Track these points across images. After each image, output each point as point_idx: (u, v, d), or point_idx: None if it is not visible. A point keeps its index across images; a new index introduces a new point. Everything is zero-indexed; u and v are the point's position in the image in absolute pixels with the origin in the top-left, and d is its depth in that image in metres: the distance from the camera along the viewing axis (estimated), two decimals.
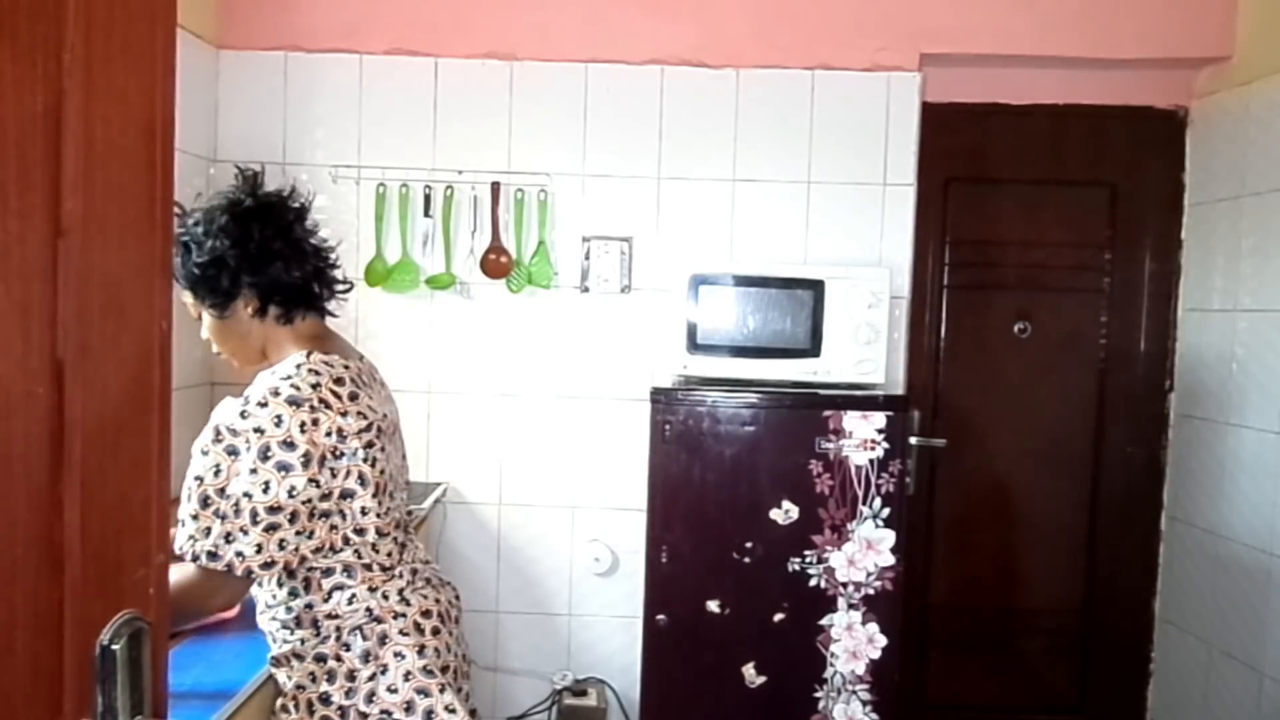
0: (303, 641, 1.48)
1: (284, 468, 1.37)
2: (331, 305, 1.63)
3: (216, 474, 1.37)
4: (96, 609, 0.72)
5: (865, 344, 2.41)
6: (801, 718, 2.31)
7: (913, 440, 2.62)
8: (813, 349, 2.42)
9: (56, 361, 0.66)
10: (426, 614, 1.54)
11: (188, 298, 1.51)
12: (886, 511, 2.28)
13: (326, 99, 2.71)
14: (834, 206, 2.71)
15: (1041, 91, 2.87)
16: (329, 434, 1.41)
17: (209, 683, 1.45)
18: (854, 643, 2.29)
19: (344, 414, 1.43)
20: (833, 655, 2.29)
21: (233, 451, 1.38)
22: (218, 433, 1.39)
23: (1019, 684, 2.99)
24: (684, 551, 2.31)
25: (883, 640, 2.29)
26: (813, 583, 2.29)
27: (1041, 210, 2.91)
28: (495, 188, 2.69)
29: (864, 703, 2.30)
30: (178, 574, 1.40)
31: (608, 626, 2.79)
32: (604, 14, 2.70)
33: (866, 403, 2.29)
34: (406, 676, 1.48)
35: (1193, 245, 2.86)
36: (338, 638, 1.47)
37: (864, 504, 2.28)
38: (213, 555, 1.37)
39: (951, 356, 2.95)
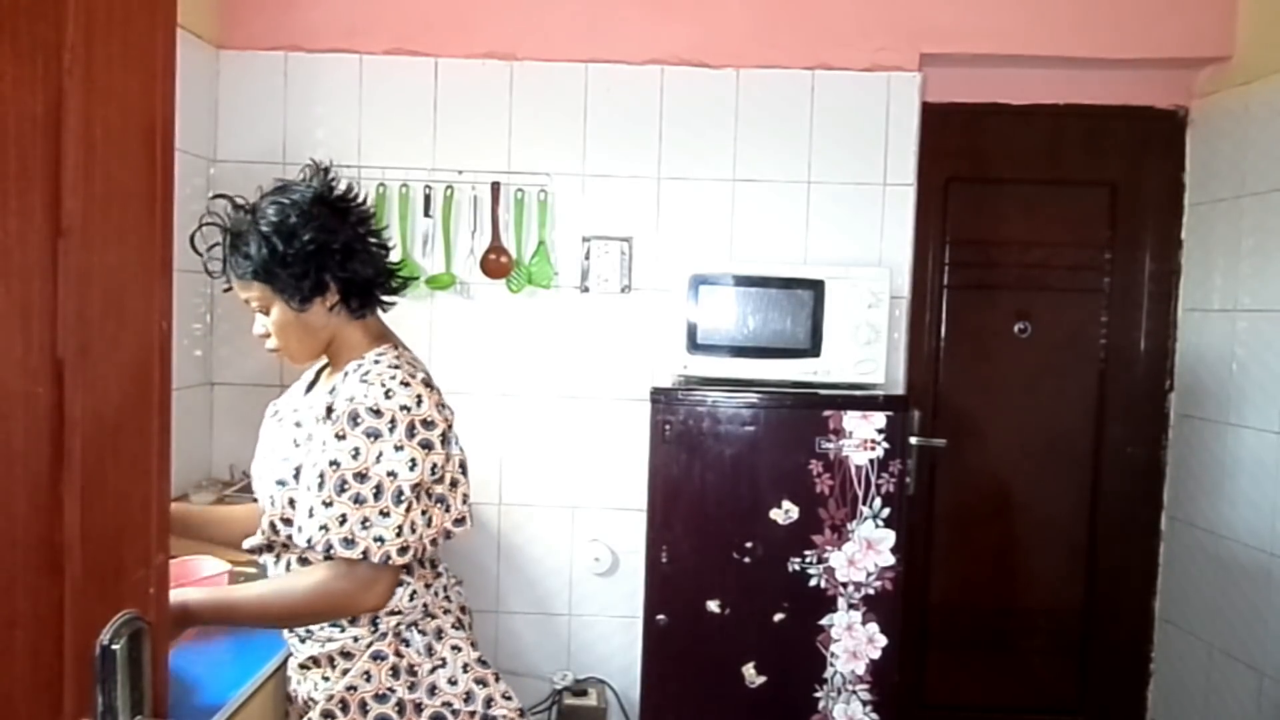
0: (356, 639, 1.46)
1: (427, 445, 1.40)
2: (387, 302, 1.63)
3: (355, 457, 1.37)
4: (96, 609, 0.72)
5: (865, 344, 2.41)
6: (801, 718, 2.31)
7: (913, 440, 2.62)
8: (813, 349, 2.42)
9: (56, 361, 0.66)
10: (464, 610, 1.60)
11: (255, 291, 1.47)
12: (886, 511, 2.28)
13: (326, 99, 2.71)
14: (834, 206, 2.71)
15: (1041, 91, 2.87)
16: (447, 421, 1.46)
17: (209, 682, 1.45)
18: (854, 643, 2.29)
19: (441, 404, 1.47)
20: (833, 655, 2.29)
21: (373, 434, 1.37)
22: (355, 416, 1.38)
23: (1019, 684, 2.99)
24: (684, 551, 2.31)
25: (883, 640, 2.29)
26: (813, 583, 2.29)
27: (1041, 210, 2.91)
28: (495, 188, 2.69)
29: (864, 703, 2.30)
30: (306, 577, 1.40)
31: (608, 626, 2.79)
32: (604, 14, 2.70)
33: (866, 403, 2.29)
34: (465, 668, 1.51)
35: (1193, 245, 2.86)
36: (397, 634, 1.47)
37: (864, 504, 2.28)
38: (349, 543, 1.36)
39: (951, 356, 2.95)
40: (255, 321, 1.53)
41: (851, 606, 2.29)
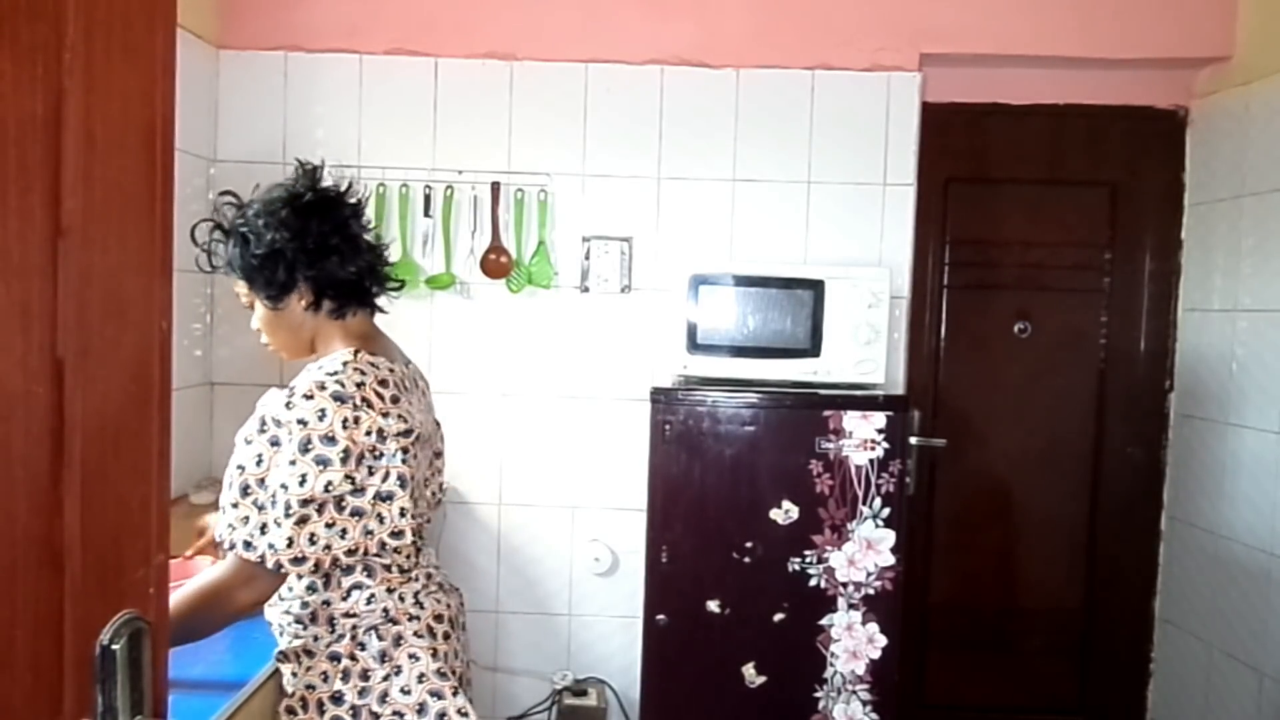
0: (316, 638, 1.47)
1: (322, 461, 1.37)
2: (382, 303, 1.64)
3: (258, 463, 1.39)
4: (96, 609, 0.72)
5: (865, 344, 2.41)
6: (801, 718, 2.31)
7: (913, 440, 2.62)
8: (813, 349, 2.42)
9: (56, 361, 0.66)
10: (439, 618, 1.55)
11: (242, 288, 1.53)
12: (886, 511, 2.27)
13: (326, 99, 2.71)
14: (834, 206, 2.71)
15: (1041, 91, 2.87)
16: (369, 433, 1.40)
17: (209, 682, 1.45)
18: (854, 643, 2.29)
19: (385, 415, 1.43)
20: (833, 655, 2.29)
21: (275, 442, 1.39)
22: (263, 423, 1.41)
23: (1019, 684, 2.99)
24: (684, 551, 2.31)
25: (883, 640, 2.29)
26: (813, 583, 2.29)
27: (1041, 210, 2.91)
28: (495, 188, 2.69)
29: (864, 703, 2.30)
30: (212, 569, 1.43)
31: (608, 626, 2.79)
32: (604, 14, 2.70)
33: (866, 403, 2.29)
34: (420, 678, 1.48)
35: (1193, 245, 2.86)
36: (353, 637, 1.47)
37: (864, 504, 2.28)
38: (248, 545, 1.38)
39: (951, 356, 2.95)
40: (252, 316, 1.57)
41: (851, 606, 2.29)
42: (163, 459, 0.80)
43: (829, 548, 2.28)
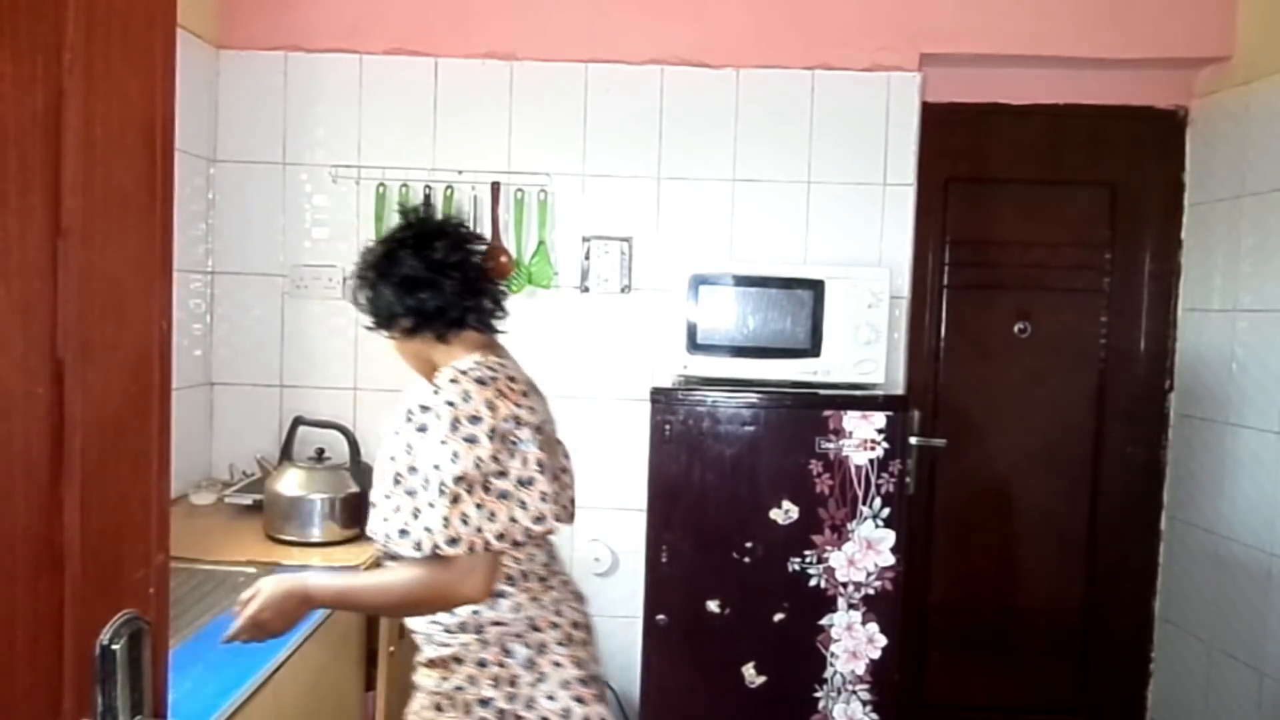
0: (465, 646, 1.53)
1: (471, 440, 1.44)
2: (492, 323, 1.70)
3: (408, 451, 1.48)
4: (96, 609, 0.72)
5: (865, 344, 2.41)
6: (801, 718, 2.31)
7: (913, 440, 2.61)
8: (813, 349, 2.42)
9: (56, 361, 0.66)
10: (577, 625, 1.62)
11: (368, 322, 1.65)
12: (886, 511, 2.27)
13: (326, 99, 2.71)
14: (834, 206, 2.71)
15: (1041, 91, 2.87)
16: (507, 419, 1.48)
17: (209, 682, 1.45)
18: (854, 643, 2.29)
19: (518, 406, 1.51)
20: (833, 655, 2.29)
21: (423, 429, 1.47)
22: (409, 413, 1.50)
23: (1019, 684, 2.99)
24: (684, 551, 2.31)
25: (883, 640, 2.29)
26: (813, 583, 2.29)
27: (1041, 210, 2.91)
28: (495, 188, 2.69)
29: (864, 703, 2.30)
30: (413, 568, 1.46)
31: (607, 626, 2.79)
32: (604, 14, 2.70)
33: (866, 403, 2.29)
34: (564, 684, 1.55)
35: (1193, 245, 2.86)
36: (500, 644, 1.53)
37: (864, 504, 2.28)
38: (403, 534, 1.45)
39: (951, 356, 2.95)
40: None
41: (851, 606, 2.29)
42: (163, 459, 0.80)
43: (829, 548, 2.28)
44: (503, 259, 2.69)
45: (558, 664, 1.55)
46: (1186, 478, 2.84)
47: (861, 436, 2.27)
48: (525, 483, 1.49)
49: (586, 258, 2.72)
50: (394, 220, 2.66)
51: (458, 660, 1.53)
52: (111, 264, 0.72)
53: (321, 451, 2.28)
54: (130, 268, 0.75)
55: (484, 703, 1.51)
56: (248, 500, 2.39)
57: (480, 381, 1.49)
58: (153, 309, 0.78)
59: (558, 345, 2.74)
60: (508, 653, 1.53)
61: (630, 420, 2.69)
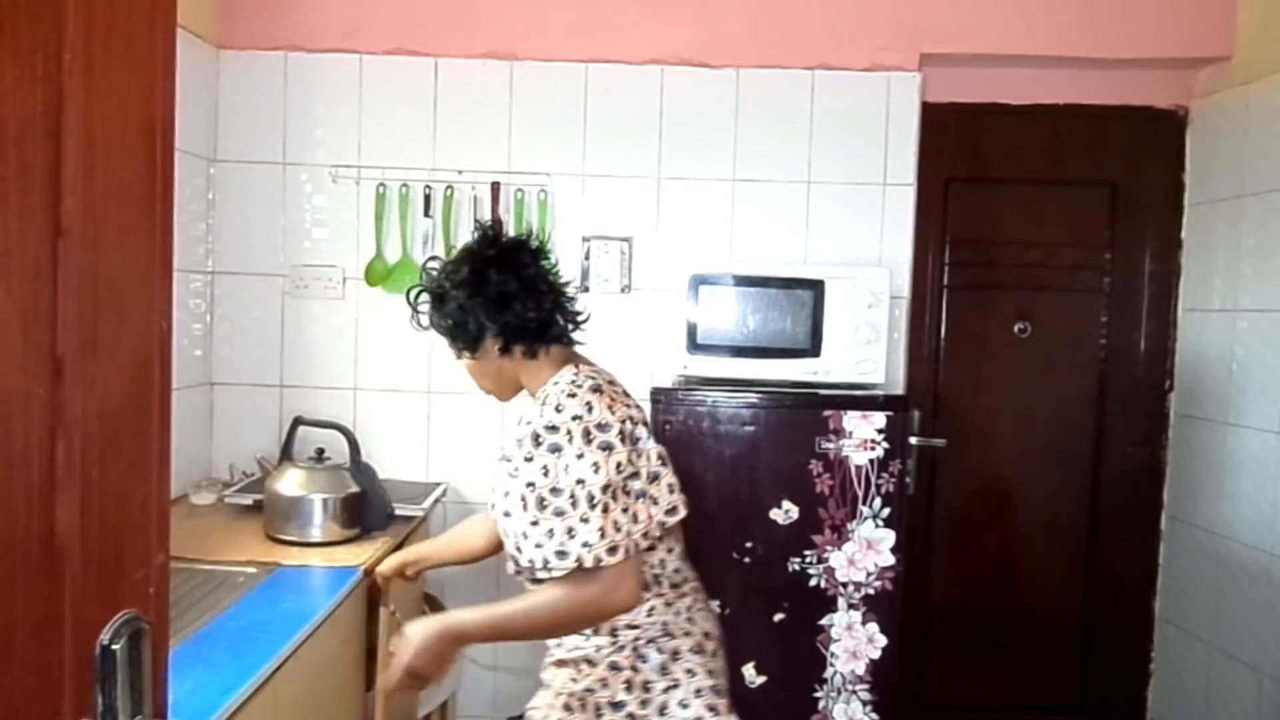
0: (598, 649, 1.54)
1: (606, 447, 1.46)
2: (576, 336, 1.71)
3: (546, 473, 1.45)
4: (96, 609, 0.72)
5: (865, 344, 2.41)
6: (801, 718, 2.31)
7: (913, 440, 2.61)
8: (813, 349, 2.42)
9: (56, 361, 0.66)
10: (708, 636, 1.62)
11: (446, 343, 1.64)
12: (886, 511, 2.27)
13: (326, 99, 2.71)
14: (834, 206, 2.71)
15: (1041, 91, 2.87)
16: (626, 421, 1.51)
17: (209, 682, 1.45)
18: (854, 643, 2.29)
19: (628, 405, 1.55)
20: (833, 655, 2.29)
21: (556, 448, 1.46)
22: (537, 437, 1.47)
23: (1019, 684, 2.99)
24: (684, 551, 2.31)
25: (883, 640, 2.29)
26: (813, 583, 2.29)
27: (1041, 210, 2.91)
28: (495, 188, 2.69)
29: (864, 703, 2.30)
30: (558, 588, 1.45)
31: None
32: (604, 14, 2.70)
33: (866, 403, 2.29)
34: (697, 693, 1.54)
35: (1193, 245, 2.86)
36: (634, 649, 1.53)
37: (864, 504, 2.28)
38: (561, 555, 1.43)
39: (951, 356, 2.95)
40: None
41: (851, 606, 2.29)
42: (163, 459, 0.80)
43: (829, 548, 2.28)
44: None
45: (690, 672, 1.55)
46: (1186, 478, 2.84)
47: (861, 436, 2.27)
48: (653, 478, 1.52)
49: (586, 258, 2.72)
50: (394, 219, 2.68)
51: (590, 662, 1.54)
52: (111, 264, 0.72)
53: (321, 451, 2.27)
54: (130, 268, 0.75)
55: (616, 706, 1.51)
56: (248, 500, 2.40)
57: (596, 390, 1.51)
58: (153, 309, 0.78)
59: None
60: (641, 658, 1.53)
61: None
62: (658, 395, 2.33)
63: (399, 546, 2.25)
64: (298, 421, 2.29)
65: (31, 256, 0.64)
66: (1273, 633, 2.48)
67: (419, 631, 1.49)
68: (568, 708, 1.54)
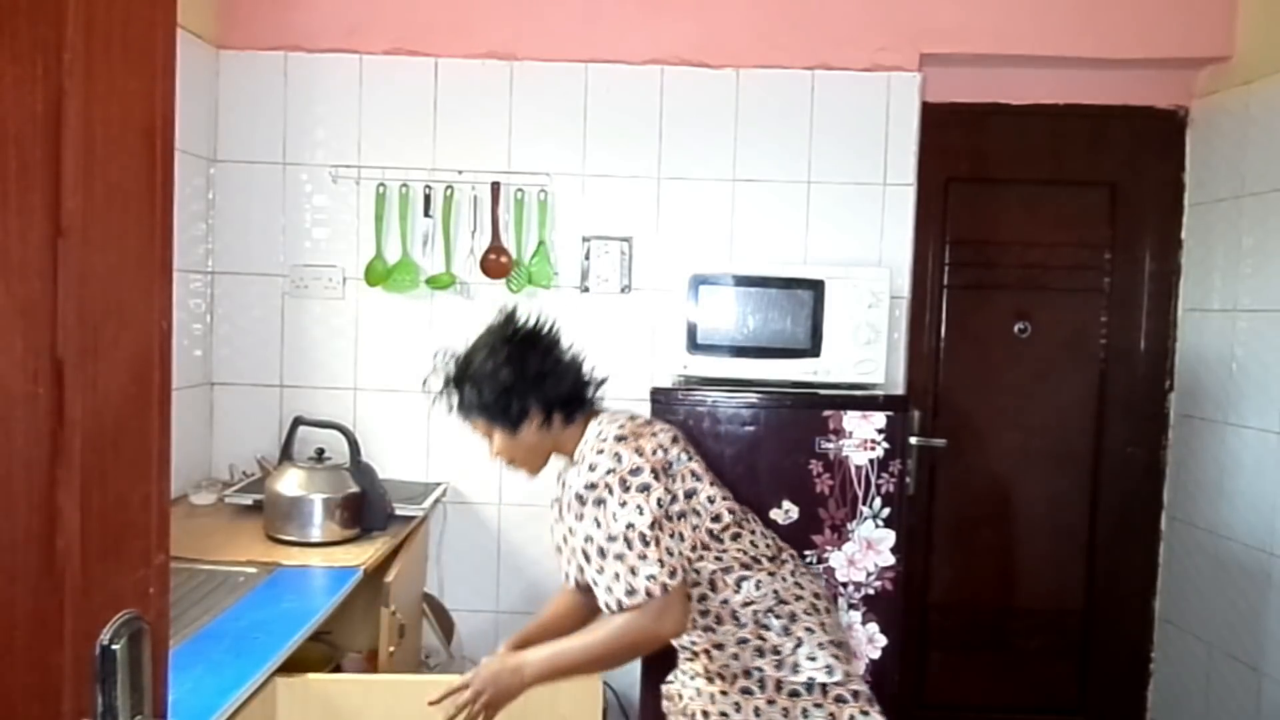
0: (725, 633, 1.70)
1: (644, 489, 1.62)
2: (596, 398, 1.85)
3: (598, 525, 1.61)
4: (96, 609, 0.72)
5: (865, 344, 2.41)
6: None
7: (913, 440, 2.62)
8: (813, 349, 2.42)
9: (56, 361, 0.66)
10: (818, 595, 1.79)
11: (479, 425, 1.75)
12: (886, 511, 2.27)
13: (326, 99, 2.71)
14: (834, 206, 2.71)
15: (1041, 91, 2.87)
16: (655, 451, 1.69)
17: (209, 682, 1.45)
18: (854, 643, 2.29)
19: (654, 435, 1.73)
20: None
21: (601, 501, 1.62)
22: (580, 497, 1.64)
23: (1019, 684, 2.99)
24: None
25: (883, 640, 2.29)
26: None
27: (1041, 210, 2.91)
28: (495, 188, 2.69)
29: None
30: (612, 622, 1.61)
31: None
32: (604, 14, 2.70)
33: (866, 403, 2.29)
34: (820, 646, 1.69)
35: (1193, 245, 2.86)
36: (755, 621, 1.69)
37: (864, 504, 2.28)
38: (631, 593, 1.58)
39: (951, 356, 2.95)
40: (488, 447, 1.79)
41: (851, 606, 2.29)
42: (163, 459, 0.80)
43: (829, 548, 2.28)
44: (502, 259, 2.69)
45: (810, 630, 1.70)
46: (1186, 478, 2.84)
47: (861, 436, 2.27)
48: (690, 494, 1.70)
49: (586, 258, 2.72)
50: (394, 219, 2.67)
51: (719, 647, 1.71)
52: (111, 264, 0.72)
53: (321, 451, 2.28)
54: (130, 268, 0.75)
55: (749, 673, 1.69)
56: (248, 500, 2.40)
57: (620, 439, 1.66)
58: (153, 309, 0.78)
59: None
60: (764, 626, 1.69)
61: None
62: (658, 395, 2.33)
63: (399, 546, 2.25)
64: (298, 421, 2.29)
65: (32, 256, 0.64)
66: (1273, 633, 2.48)
67: (489, 664, 1.65)
68: (708, 678, 1.72)
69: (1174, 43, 2.69)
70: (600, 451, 1.65)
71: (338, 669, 2.12)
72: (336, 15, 2.70)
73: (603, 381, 1.83)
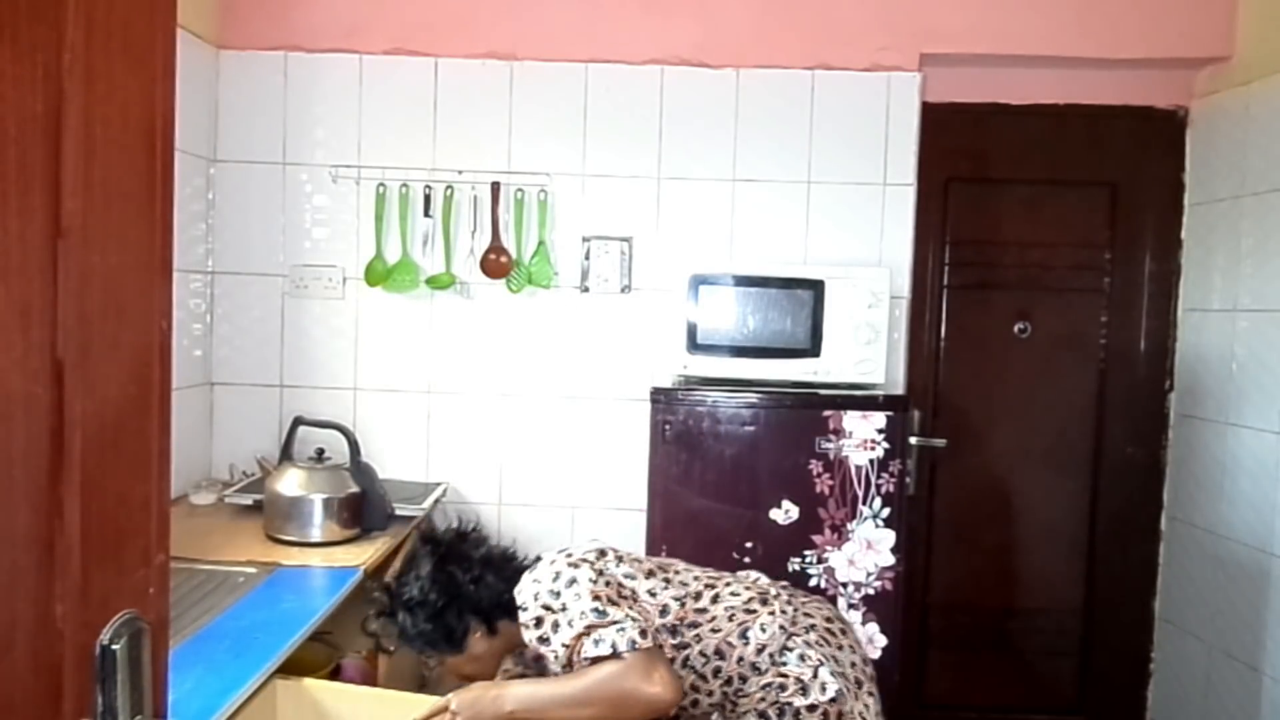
0: (751, 688, 1.67)
1: (571, 581, 1.63)
2: None
3: (557, 629, 1.60)
4: (96, 609, 0.72)
5: (865, 344, 2.41)
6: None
7: (913, 440, 2.62)
8: (813, 349, 2.42)
9: (56, 361, 0.66)
10: (830, 620, 1.77)
11: (432, 659, 1.74)
12: (886, 511, 2.27)
13: (326, 99, 2.71)
14: (834, 206, 2.71)
15: (1041, 91, 2.86)
16: (573, 566, 1.65)
17: (209, 682, 1.45)
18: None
19: (560, 573, 1.67)
20: None
21: (545, 619, 1.61)
22: (535, 632, 1.62)
23: (1019, 684, 2.98)
24: (684, 551, 2.30)
25: (883, 640, 2.29)
26: (813, 583, 2.29)
27: (1041, 210, 2.91)
28: (495, 188, 2.69)
29: None
30: (591, 674, 1.57)
31: None
32: (604, 14, 2.70)
33: (866, 403, 2.29)
34: (833, 675, 1.67)
35: (1193, 245, 2.86)
36: (773, 661, 1.67)
37: (864, 504, 2.28)
38: (599, 644, 1.56)
39: (951, 356, 2.95)
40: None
41: (851, 606, 2.29)
42: (163, 459, 0.80)
43: (829, 548, 2.28)
44: (502, 259, 2.69)
45: (821, 661, 1.68)
46: (1186, 478, 2.84)
47: (861, 436, 2.27)
48: (631, 595, 1.66)
49: (586, 258, 2.72)
50: (394, 219, 2.68)
51: (742, 678, 1.69)
52: (111, 264, 0.72)
53: (321, 451, 2.27)
54: (130, 268, 0.75)
55: (781, 711, 1.65)
56: (248, 500, 2.40)
57: (537, 583, 1.64)
58: (153, 309, 0.78)
59: (558, 345, 2.74)
60: (783, 663, 1.67)
61: (630, 420, 2.69)
62: (658, 395, 2.33)
63: (399, 546, 2.25)
64: (298, 421, 2.29)
65: (32, 256, 0.64)
66: (1273, 633, 2.48)
67: (464, 695, 1.60)
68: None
69: (1174, 43, 2.69)
70: (526, 626, 1.64)
71: (338, 669, 2.12)
72: (336, 15, 2.70)
73: (529, 566, 1.75)
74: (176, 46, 0.80)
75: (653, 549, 2.31)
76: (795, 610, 1.75)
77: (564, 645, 1.58)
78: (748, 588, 1.76)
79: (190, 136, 2.59)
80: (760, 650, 1.66)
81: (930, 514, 2.95)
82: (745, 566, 2.29)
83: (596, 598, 1.58)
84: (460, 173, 2.70)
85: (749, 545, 2.29)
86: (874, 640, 2.29)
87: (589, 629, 1.55)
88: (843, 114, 2.70)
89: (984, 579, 2.98)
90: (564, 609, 1.59)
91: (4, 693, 0.64)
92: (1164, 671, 2.92)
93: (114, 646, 0.72)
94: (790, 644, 1.68)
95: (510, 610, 1.69)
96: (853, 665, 1.73)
